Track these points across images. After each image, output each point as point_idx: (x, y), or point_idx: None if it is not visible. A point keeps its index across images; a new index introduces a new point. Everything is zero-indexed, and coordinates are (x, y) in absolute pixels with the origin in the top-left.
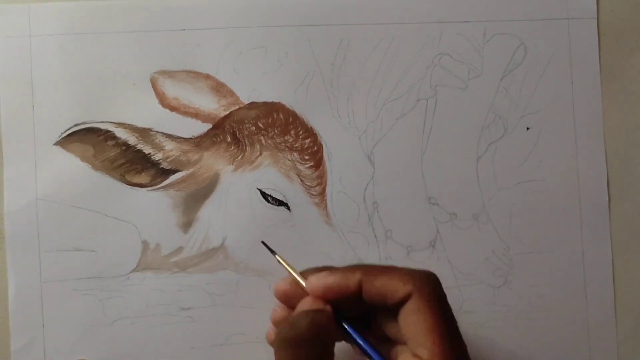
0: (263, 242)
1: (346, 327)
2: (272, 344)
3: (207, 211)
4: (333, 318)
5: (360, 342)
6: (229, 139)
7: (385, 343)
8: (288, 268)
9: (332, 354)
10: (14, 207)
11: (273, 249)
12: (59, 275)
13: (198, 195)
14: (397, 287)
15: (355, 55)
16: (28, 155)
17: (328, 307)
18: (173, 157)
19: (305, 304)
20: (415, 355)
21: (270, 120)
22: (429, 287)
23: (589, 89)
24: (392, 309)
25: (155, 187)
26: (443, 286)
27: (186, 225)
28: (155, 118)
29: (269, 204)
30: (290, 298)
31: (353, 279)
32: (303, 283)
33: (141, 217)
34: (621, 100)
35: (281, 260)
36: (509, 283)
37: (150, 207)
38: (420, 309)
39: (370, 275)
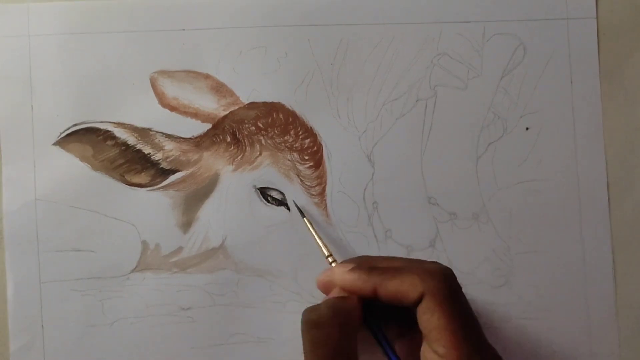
0: (294, 203)
1: (370, 324)
2: None
3: (207, 211)
4: (358, 306)
5: (381, 341)
6: (228, 139)
7: (411, 333)
8: (316, 237)
9: (353, 338)
10: (12, 207)
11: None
12: (58, 275)
13: (198, 195)
14: (408, 290)
15: (355, 55)
16: (27, 155)
17: (353, 296)
18: (173, 157)
19: (334, 293)
20: (434, 351)
21: (270, 120)
22: (440, 285)
23: (589, 89)
24: (411, 307)
25: (155, 187)
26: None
27: (186, 225)
28: (154, 118)
29: (269, 204)
30: (329, 289)
31: (368, 284)
32: (325, 251)
33: (141, 217)
34: (621, 100)
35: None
36: (509, 283)
37: (150, 207)
38: (432, 309)
39: (384, 280)
